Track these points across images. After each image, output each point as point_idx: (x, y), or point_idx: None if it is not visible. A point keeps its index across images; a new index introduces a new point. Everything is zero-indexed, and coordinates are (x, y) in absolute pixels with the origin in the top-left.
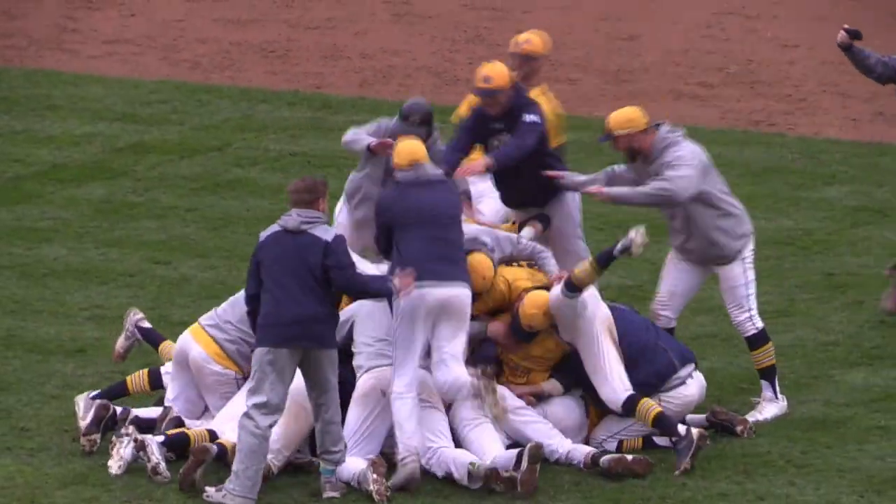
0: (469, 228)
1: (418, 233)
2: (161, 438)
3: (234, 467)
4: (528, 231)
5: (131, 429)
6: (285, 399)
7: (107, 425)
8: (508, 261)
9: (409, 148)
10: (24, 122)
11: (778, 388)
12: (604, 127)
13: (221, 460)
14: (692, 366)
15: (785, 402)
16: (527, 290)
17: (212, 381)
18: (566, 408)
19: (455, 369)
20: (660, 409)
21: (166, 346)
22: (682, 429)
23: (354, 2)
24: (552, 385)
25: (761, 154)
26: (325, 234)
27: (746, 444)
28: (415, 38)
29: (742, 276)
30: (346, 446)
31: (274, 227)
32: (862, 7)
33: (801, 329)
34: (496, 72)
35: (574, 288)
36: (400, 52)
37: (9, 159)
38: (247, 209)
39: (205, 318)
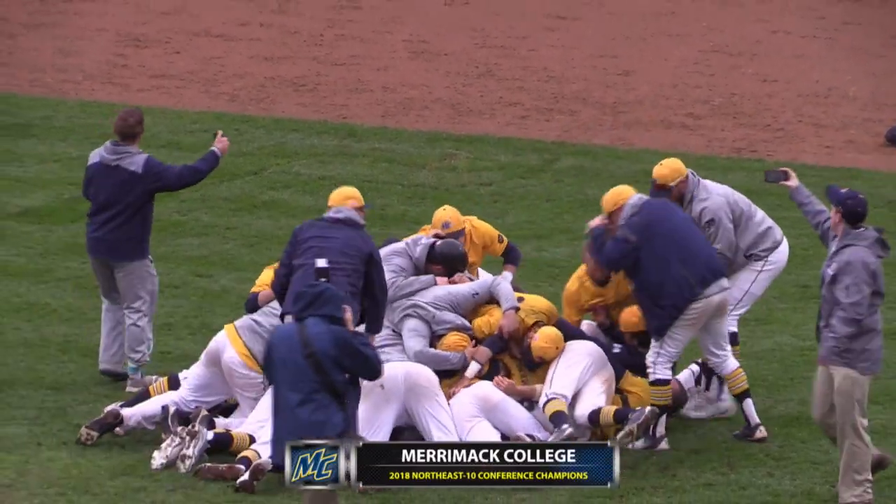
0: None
1: None
2: (210, 436)
3: None
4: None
5: (193, 427)
6: None
7: (107, 428)
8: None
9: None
10: (79, 149)
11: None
12: (655, 181)
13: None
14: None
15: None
16: (537, 324)
17: (242, 383)
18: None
19: None
20: (614, 407)
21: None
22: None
23: (377, 41)
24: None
25: (743, 178)
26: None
27: (730, 439)
28: (431, 73)
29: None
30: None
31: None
32: (835, 45)
33: (780, 335)
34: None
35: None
36: (418, 85)
37: (65, 182)
38: (279, 228)
39: (240, 322)
